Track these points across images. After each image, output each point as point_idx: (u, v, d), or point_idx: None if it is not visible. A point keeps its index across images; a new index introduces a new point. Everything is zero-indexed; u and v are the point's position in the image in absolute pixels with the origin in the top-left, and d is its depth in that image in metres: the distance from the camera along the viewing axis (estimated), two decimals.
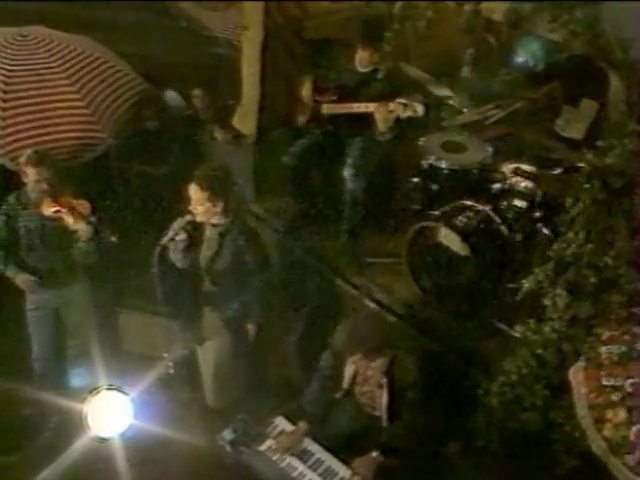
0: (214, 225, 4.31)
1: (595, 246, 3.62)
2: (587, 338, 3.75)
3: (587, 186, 3.38)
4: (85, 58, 5.49)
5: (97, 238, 4.50)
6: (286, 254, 5.35)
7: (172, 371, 4.87)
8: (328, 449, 4.19)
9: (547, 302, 3.78)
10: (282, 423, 4.35)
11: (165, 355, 4.94)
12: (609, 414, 3.44)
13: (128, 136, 5.52)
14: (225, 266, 4.36)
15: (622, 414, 3.40)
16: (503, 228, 4.63)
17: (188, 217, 4.25)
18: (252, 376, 4.80)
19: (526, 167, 4.69)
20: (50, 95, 5.23)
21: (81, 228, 4.45)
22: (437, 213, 4.78)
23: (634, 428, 3.34)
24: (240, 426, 4.29)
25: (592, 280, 3.69)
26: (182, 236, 4.25)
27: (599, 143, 3.40)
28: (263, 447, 4.22)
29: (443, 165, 4.93)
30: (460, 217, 4.66)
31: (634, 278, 3.71)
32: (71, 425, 4.16)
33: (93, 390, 3.87)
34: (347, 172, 5.08)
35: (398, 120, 4.81)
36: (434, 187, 4.99)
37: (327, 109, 5.18)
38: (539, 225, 4.62)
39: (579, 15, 3.21)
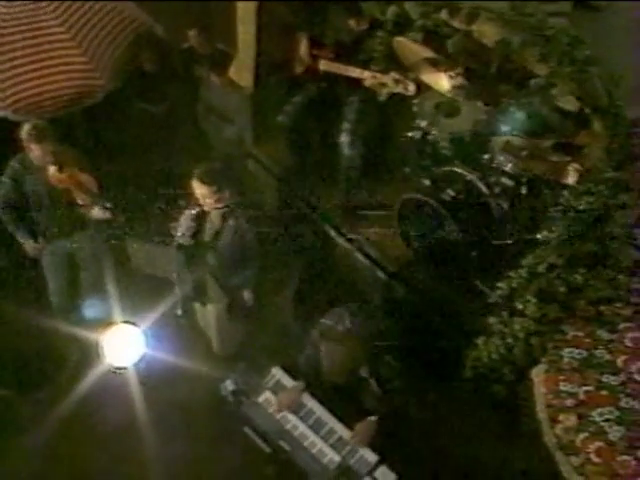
0: (218, 208, 4.47)
1: (566, 263, 3.85)
2: (554, 335, 4.07)
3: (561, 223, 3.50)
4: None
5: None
6: (282, 202, 5.53)
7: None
8: (320, 401, 4.63)
9: (518, 305, 4.08)
10: (279, 374, 4.79)
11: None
12: (561, 417, 3.80)
13: (127, 80, 5.47)
14: (226, 244, 4.59)
15: (573, 419, 3.77)
16: (491, 200, 4.81)
17: (197, 209, 4.44)
18: (252, 326, 5.21)
19: (516, 141, 4.76)
20: (46, 44, 5.14)
21: (95, 214, 4.71)
22: (427, 183, 4.92)
23: (581, 435, 3.73)
24: (240, 377, 4.75)
25: (562, 289, 3.97)
26: (192, 224, 4.47)
27: (576, 186, 3.49)
28: (261, 399, 4.69)
29: (435, 132, 4.99)
30: (449, 190, 4.82)
31: (602, 287, 3.97)
32: (90, 359, 4.66)
33: (107, 324, 4.34)
34: (344, 138, 5.15)
35: None
36: (428, 150, 5.09)
37: (324, 65, 5.14)
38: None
39: (567, 62, 3.17)
